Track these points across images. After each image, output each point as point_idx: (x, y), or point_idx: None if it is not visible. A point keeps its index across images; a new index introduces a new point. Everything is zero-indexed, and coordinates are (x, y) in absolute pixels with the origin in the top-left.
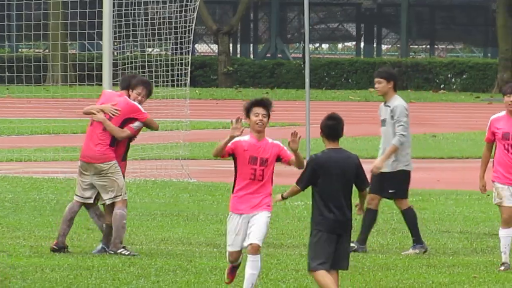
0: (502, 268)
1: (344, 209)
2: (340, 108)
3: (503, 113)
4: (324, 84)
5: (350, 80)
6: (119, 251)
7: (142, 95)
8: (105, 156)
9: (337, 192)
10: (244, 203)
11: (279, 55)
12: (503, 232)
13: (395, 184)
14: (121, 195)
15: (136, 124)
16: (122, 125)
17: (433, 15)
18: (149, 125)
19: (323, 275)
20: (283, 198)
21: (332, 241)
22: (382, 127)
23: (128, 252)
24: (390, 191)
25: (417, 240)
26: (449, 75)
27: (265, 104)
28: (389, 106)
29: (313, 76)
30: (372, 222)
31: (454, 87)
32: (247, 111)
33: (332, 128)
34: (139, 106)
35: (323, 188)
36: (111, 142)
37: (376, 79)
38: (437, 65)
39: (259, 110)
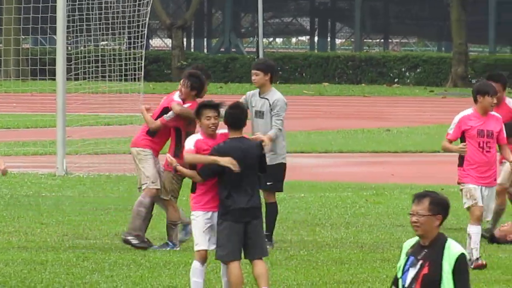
0: (480, 261)
1: (250, 197)
2: (294, 103)
3: (471, 110)
4: (278, 78)
5: (304, 74)
6: (128, 237)
7: (183, 85)
8: (137, 141)
9: (242, 181)
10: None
11: (233, 50)
12: (474, 229)
13: (273, 176)
14: (146, 183)
15: (169, 114)
16: (160, 115)
17: (387, 9)
18: (183, 116)
19: (234, 266)
20: (176, 171)
21: (240, 230)
22: (258, 118)
23: (136, 242)
24: (268, 183)
25: (269, 236)
26: (403, 69)
27: (216, 107)
28: (267, 99)
29: None
30: (275, 215)
31: (408, 81)
32: (198, 114)
33: (236, 117)
34: (177, 98)
35: (227, 178)
36: (148, 131)
37: (253, 71)
38: (391, 59)
39: (211, 113)
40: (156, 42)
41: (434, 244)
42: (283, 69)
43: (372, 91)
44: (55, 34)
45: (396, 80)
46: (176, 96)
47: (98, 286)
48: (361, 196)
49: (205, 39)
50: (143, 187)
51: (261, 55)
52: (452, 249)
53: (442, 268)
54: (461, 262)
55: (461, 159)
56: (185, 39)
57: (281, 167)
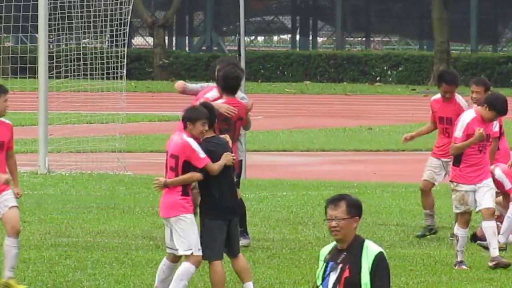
0: (464, 266)
1: (232, 195)
2: (276, 101)
3: (473, 113)
4: (259, 77)
5: (285, 73)
6: None
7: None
8: None
9: (226, 179)
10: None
11: (215, 48)
12: (462, 232)
13: (238, 173)
14: None
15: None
16: None
17: (369, 7)
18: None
19: (219, 265)
20: (166, 185)
21: (225, 228)
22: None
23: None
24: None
25: (244, 231)
26: (385, 68)
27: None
28: None
29: (248, 69)
30: (244, 210)
31: (390, 79)
32: (192, 120)
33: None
34: (214, 93)
35: (217, 177)
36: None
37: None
38: (373, 58)
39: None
40: (137, 41)
41: (352, 247)
42: (265, 68)
43: (354, 90)
44: (36, 32)
45: (378, 78)
46: (214, 92)
47: (80, 284)
48: None
49: (187, 37)
50: None
51: (242, 54)
52: (370, 249)
53: (361, 269)
54: (379, 261)
55: (457, 159)
56: (166, 37)
57: (241, 164)
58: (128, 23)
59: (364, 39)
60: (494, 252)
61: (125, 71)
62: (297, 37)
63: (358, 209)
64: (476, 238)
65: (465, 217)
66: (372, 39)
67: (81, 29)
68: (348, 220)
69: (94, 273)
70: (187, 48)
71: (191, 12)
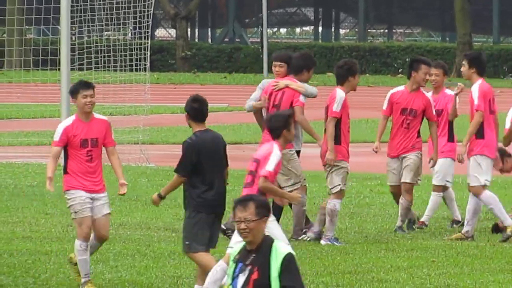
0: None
1: (221, 189)
2: None
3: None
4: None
5: None
6: (300, 237)
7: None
8: None
9: (214, 173)
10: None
11: (237, 40)
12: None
13: None
14: (299, 182)
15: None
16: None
17: None
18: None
19: (204, 255)
20: (162, 197)
21: (210, 222)
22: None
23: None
24: None
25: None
26: (407, 59)
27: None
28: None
29: (271, 61)
30: None
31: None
32: (73, 93)
33: (198, 110)
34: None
35: (200, 170)
36: None
37: (276, 63)
38: (395, 49)
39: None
40: (160, 32)
41: (261, 248)
42: None
43: (376, 81)
44: (58, 24)
45: (400, 70)
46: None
47: (102, 277)
48: (365, 186)
49: (209, 29)
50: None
51: (265, 46)
52: (279, 250)
53: (270, 270)
54: (288, 261)
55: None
56: (189, 29)
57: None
58: (152, 15)
59: (386, 31)
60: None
61: (148, 63)
62: (320, 29)
63: (266, 209)
64: (498, 229)
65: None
66: (394, 31)
67: (104, 21)
68: (257, 222)
69: (116, 265)
70: (209, 40)
71: (214, 3)
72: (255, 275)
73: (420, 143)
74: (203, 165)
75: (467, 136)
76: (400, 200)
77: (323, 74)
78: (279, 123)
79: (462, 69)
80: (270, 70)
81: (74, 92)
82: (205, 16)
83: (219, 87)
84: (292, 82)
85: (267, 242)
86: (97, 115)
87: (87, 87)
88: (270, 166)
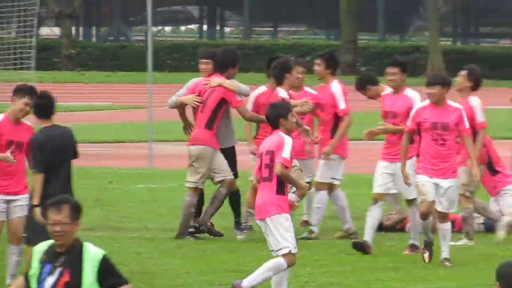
0: (425, 253)
1: (66, 183)
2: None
3: (427, 102)
4: (167, 67)
5: (193, 63)
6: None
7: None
8: None
9: (61, 167)
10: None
11: (122, 38)
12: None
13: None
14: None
15: None
16: None
17: None
18: None
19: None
20: (36, 205)
21: None
22: None
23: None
24: None
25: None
26: (307, 59)
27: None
28: None
29: (156, 59)
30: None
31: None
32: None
33: (44, 106)
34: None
35: (46, 165)
36: None
37: (204, 60)
38: (280, 47)
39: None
40: (44, 31)
41: (71, 250)
42: (172, 58)
43: (261, 80)
44: None
45: None
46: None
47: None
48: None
49: (94, 27)
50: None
51: (150, 44)
52: (92, 253)
53: (83, 273)
54: (105, 263)
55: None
56: (74, 28)
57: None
58: (37, 14)
59: (271, 28)
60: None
61: (34, 62)
62: (205, 27)
63: (79, 212)
64: (381, 227)
65: (421, 209)
66: (279, 29)
67: None
68: (72, 225)
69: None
70: (94, 38)
71: (98, 2)
72: (66, 277)
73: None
74: (50, 160)
75: (335, 137)
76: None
77: None
78: (274, 113)
79: (317, 68)
80: (155, 68)
81: (19, 92)
82: (90, 14)
83: (104, 86)
84: (224, 80)
85: (77, 244)
86: (25, 121)
87: (25, 94)
88: (286, 153)
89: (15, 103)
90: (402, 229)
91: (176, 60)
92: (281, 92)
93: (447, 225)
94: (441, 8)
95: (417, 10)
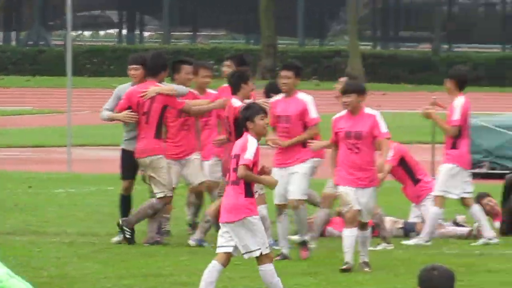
0: (344, 267)
1: None
2: (103, 96)
3: (343, 112)
4: (86, 72)
5: (112, 67)
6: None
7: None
8: None
9: None
10: None
11: (42, 42)
12: (347, 232)
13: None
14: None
15: None
16: None
17: (195, 1)
18: None
19: None
20: None
21: None
22: None
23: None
24: None
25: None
26: (212, 62)
27: None
28: None
29: (75, 64)
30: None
31: (218, 74)
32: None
33: None
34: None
35: None
36: None
37: (133, 66)
38: (199, 52)
39: None
40: None
41: None
42: (92, 62)
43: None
44: None
45: None
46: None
47: None
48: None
49: (14, 32)
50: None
51: (69, 48)
52: None
53: None
54: None
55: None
56: None
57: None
58: None
59: (191, 33)
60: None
61: None
62: (124, 31)
63: None
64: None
65: (346, 216)
66: (198, 33)
67: None
68: None
69: None
70: (13, 42)
71: (18, 5)
72: None
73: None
74: None
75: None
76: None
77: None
78: (241, 116)
79: (227, 69)
80: (74, 73)
81: None
82: (10, 18)
83: (23, 90)
84: (161, 87)
85: None
86: None
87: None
88: (248, 155)
89: None
90: (322, 235)
91: (95, 64)
92: (236, 102)
93: (367, 232)
94: (360, 12)
95: (337, 14)
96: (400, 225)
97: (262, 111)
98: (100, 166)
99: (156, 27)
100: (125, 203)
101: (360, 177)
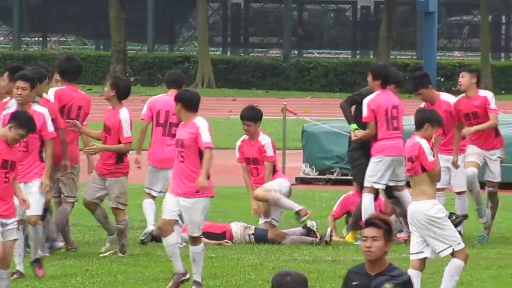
0: None
1: None
2: None
3: None
4: None
5: None
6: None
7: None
8: None
9: None
10: None
11: None
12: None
13: None
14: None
15: None
16: None
17: (46, 7)
18: None
19: None
20: None
21: None
22: None
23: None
24: None
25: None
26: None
27: None
28: None
29: None
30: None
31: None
32: None
33: None
34: None
35: None
36: None
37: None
38: (49, 57)
39: None
40: None
41: None
42: None
43: None
44: None
45: None
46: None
47: None
48: None
49: None
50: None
51: None
52: None
53: None
54: None
55: None
56: None
57: None
58: None
59: (41, 38)
60: None
61: None
62: None
63: None
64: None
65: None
66: (49, 39)
67: None
68: None
69: None
70: None
71: None
72: None
73: None
74: None
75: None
76: None
77: None
78: None
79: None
80: None
81: None
82: None
83: None
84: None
85: None
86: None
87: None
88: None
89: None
90: None
91: None
92: None
93: (198, 248)
94: (211, 19)
95: (187, 20)
96: (252, 232)
97: None
98: None
99: (5, 32)
100: None
101: (187, 185)
